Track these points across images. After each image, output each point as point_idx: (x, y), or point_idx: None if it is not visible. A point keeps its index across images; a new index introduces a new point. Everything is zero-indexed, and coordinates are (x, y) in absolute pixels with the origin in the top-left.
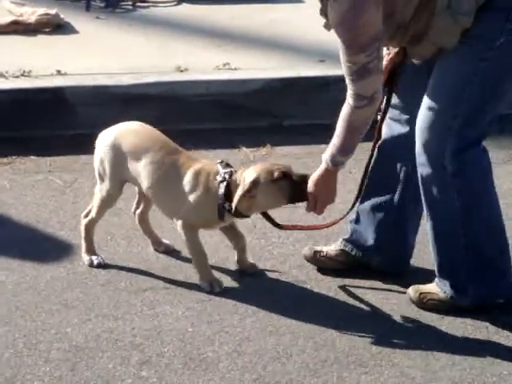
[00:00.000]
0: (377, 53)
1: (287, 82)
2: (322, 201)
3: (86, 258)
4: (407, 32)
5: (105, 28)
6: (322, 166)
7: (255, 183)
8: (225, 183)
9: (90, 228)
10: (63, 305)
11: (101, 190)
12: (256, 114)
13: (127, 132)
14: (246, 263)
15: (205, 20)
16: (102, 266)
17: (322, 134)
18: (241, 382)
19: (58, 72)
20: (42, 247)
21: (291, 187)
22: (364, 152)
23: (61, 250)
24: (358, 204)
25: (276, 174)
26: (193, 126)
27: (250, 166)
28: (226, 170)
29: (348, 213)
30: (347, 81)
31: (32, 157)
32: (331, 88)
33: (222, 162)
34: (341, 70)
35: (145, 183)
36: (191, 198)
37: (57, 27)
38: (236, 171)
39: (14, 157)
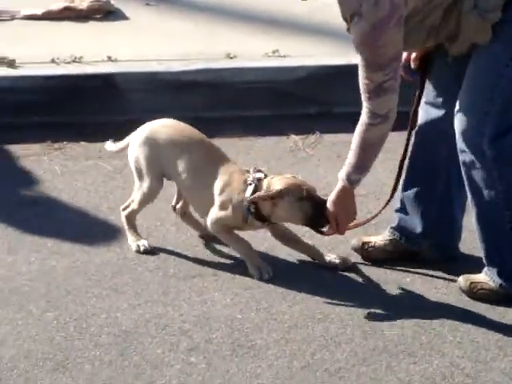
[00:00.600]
0: (394, 73)
1: (337, 68)
2: (342, 220)
3: (133, 244)
4: (439, 34)
5: (155, 14)
6: (339, 185)
7: (281, 194)
8: (252, 186)
9: (131, 219)
10: (113, 290)
11: (141, 186)
12: (305, 101)
13: (161, 128)
14: (333, 262)
15: (254, 7)
16: (149, 251)
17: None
18: (289, 369)
19: (109, 58)
20: (92, 232)
21: (313, 209)
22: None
23: (111, 235)
24: (399, 193)
25: (304, 193)
26: (241, 113)
27: (280, 175)
28: (256, 175)
29: (387, 203)
30: (363, 98)
31: (82, 143)
32: None
33: (254, 168)
34: None
35: (179, 179)
36: (220, 198)
37: (108, 13)
38: (266, 176)
39: (64, 142)
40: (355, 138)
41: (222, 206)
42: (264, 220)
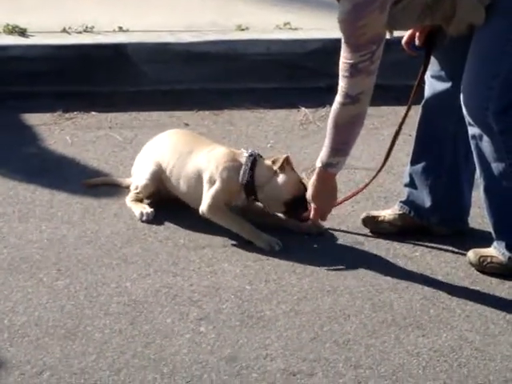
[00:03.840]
0: (371, 55)
1: None
2: (321, 206)
3: (136, 212)
4: (435, 15)
5: None
6: (316, 170)
7: (289, 164)
8: (252, 158)
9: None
10: (123, 260)
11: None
12: (316, 74)
13: (163, 139)
14: (308, 227)
15: None
16: (151, 219)
17: (382, 95)
18: (298, 340)
19: (120, 28)
20: (102, 202)
21: (302, 195)
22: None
23: (121, 205)
24: (408, 167)
25: (300, 192)
26: (252, 85)
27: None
28: (252, 151)
29: (377, 174)
30: (340, 76)
31: (93, 113)
32: (392, 49)
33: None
34: (403, 31)
35: (172, 181)
36: (206, 174)
37: None
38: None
39: (75, 112)
40: (329, 119)
41: (211, 180)
42: (251, 194)
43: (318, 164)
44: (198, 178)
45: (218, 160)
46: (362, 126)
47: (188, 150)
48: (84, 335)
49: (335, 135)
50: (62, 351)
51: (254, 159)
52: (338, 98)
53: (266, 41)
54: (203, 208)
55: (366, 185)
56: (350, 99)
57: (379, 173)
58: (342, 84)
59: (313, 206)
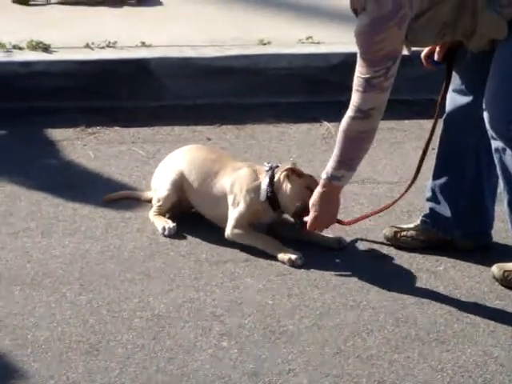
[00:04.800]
0: (385, 71)
1: None
2: (321, 218)
3: (159, 227)
4: (456, 31)
5: (189, 0)
6: (321, 181)
7: (297, 173)
8: (270, 172)
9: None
10: (146, 274)
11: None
12: (338, 88)
13: (183, 153)
14: (329, 241)
15: None
16: (175, 235)
17: (403, 110)
18: (321, 355)
19: (143, 44)
20: (125, 217)
21: (306, 202)
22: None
23: (143, 220)
24: (430, 181)
25: (312, 186)
26: (275, 99)
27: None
28: (271, 164)
29: (406, 191)
30: (353, 90)
31: (116, 127)
32: (414, 63)
33: (268, 162)
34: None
35: (195, 197)
36: (231, 195)
37: None
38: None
39: (98, 127)
40: (339, 131)
41: (235, 203)
42: (276, 207)
43: (323, 175)
44: (222, 198)
45: (241, 182)
46: (371, 143)
47: (211, 168)
48: (107, 350)
49: (342, 149)
50: (84, 366)
51: (273, 172)
52: (349, 112)
53: (288, 55)
54: (228, 232)
55: (393, 203)
56: (361, 114)
57: (409, 189)
58: (354, 98)
59: (311, 214)
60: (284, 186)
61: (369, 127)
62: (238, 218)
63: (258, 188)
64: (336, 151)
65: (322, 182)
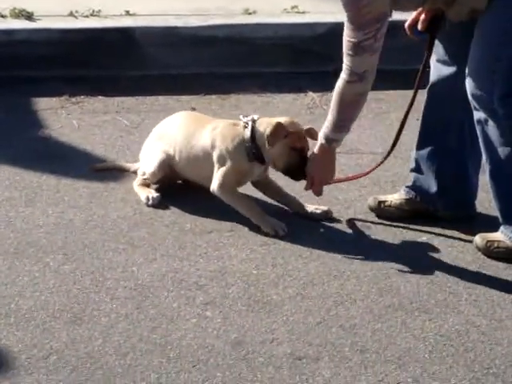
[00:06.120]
0: (375, 33)
1: None
2: (318, 179)
3: (142, 196)
4: None
5: None
6: (318, 144)
7: (282, 134)
8: (249, 127)
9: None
10: (129, 244)
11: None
12: (324, 58)
13: (169, 123)
14: (313, 213)
15: None
16: (158, 204)
17: (390, 80)
18: (304, 324)
19: (127, 12)
20: (109, 187)
21: (297, 162)
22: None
23: (127, 190)
24: (414, 152)
25: (298, 145)
26: (259, 69)
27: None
28: (248, 118)
29: (385, 158)
30: (344, 54)
31: (100, 97)
32: (400, 33)
33: (241, 115)
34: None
35: (178, 160)
36: (216, 153)
37: None
38: (258, 117)
39: (82, 96)
40: (333, 95)
41: (220, 161)
42: (262, 160)
43: (321, 140)
44: (205, 155)
45: (222, 136)
46: (364, 103)
47: (193, 130)
48: (90, 319)
49: (340, 112)
50: (68, 335)
51: (253, 128)
52: (344, 76)
53: (273, 24)
54: (214, 186)
55: (372, 169)
56: (357, 77)
57: (386, 159)
58: (347, 62)
59: (315, 179)
60: (270, 149)
61: (364, 89)
62: (225, 175)
63: (241, 145)
64: (332, 115)
65: (320, 146)
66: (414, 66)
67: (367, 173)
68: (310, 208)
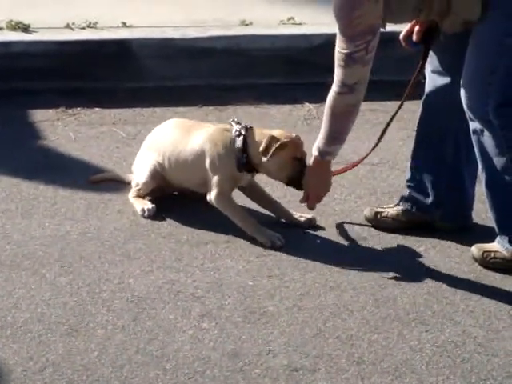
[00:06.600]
0: (366, 45)
1: None
2: (313, 194)
3: (138, 208)
4: (432, 7)
5: None
6: (312, 157)
7: (283, 147)
8: (241, 137)
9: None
10: (126, 256)
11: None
12: (320, 69)
13: (159, 132)
14: (297, 220)
15: None
16: (154, 215)
17: (386, 91)
18: (301, 336)
19: (124, 24)
20: (105, 198)
21: (298, 173)
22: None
23: (124, 201)
24: (410, 163)
25: (298, 155)
26: (256, 80)
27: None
28: (241, 125)
29: (367, 155)
30: (335, 65)
31: (97, 109)
32: (396, 44)
33: (233, 120)
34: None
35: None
36: (212, 155)
37: None
38: (251, 127)
39: (79, 108)
40: (325, 108)
41: (212, 167)
42: (252, 170)
43: (315, 152)
44: (196, 160)
45: (215, 146)
46: (357, 114)
47: (183, 137)
48: (87, 332)
49: (332, 124)
50: (64, 347)
51: (245, 139)
52: (334, 88)
53: (270, 36)
54: (211, 197)
55: (354, 165)
56: (347, 88)
57: (368, 155)
58: (337, 73)
59: (310, 193)
60: (269, 161)
61: (355, 100)
62: (219, 185)
63: (232, 154)
64: (325, 128)
65: (314, 159)
66: (409, 77)
67: (349, 168)
68: (295, 215)
